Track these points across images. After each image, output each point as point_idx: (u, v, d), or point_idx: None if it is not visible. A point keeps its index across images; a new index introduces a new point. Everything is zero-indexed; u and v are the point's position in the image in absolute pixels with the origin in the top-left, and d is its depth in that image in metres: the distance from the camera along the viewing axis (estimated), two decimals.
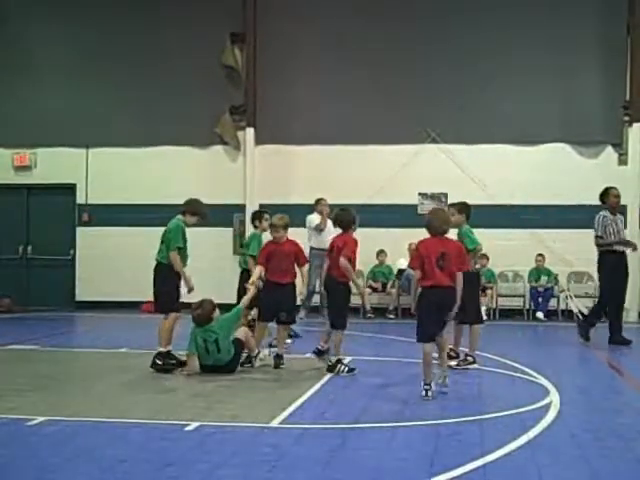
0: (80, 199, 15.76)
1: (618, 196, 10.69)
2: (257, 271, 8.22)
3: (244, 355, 8.18)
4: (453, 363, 8.27)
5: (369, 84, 14.79)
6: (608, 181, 11.93)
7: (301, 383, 7.43)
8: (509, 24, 14.60)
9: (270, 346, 8.65)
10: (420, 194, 14.80)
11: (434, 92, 14.76)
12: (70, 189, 15.73)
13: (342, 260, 7.79)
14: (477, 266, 9.64)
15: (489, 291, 14.26)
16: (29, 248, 16.01)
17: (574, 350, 10.60)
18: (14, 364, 8.74)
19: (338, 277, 7.93)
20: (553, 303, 14.42)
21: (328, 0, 15.13)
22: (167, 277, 8.12)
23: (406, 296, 13.46)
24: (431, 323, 6.76)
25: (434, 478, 4.45)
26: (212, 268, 13.92)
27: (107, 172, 15.55)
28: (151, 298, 8.43)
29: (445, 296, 6.74)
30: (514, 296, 14.58)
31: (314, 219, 12.91)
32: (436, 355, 6.94)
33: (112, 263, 15.30)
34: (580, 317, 13.77)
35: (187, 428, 5.54)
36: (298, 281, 8.50)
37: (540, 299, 14.32)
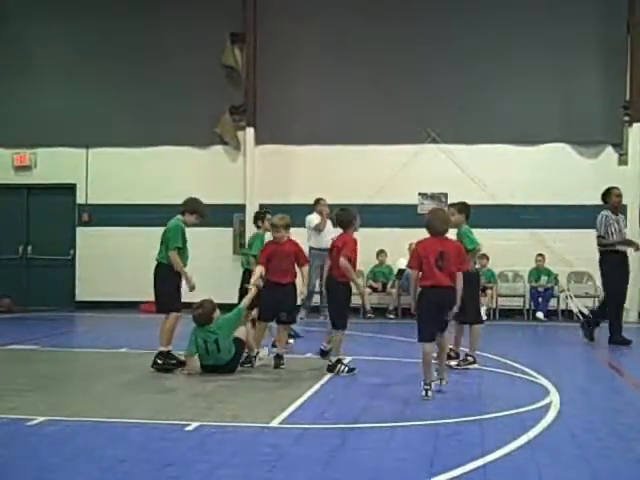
0: (80, 199, 15.77)
1: (620, 196, 10.70)
2: (258, 271, 8.22)
3: (244, 355, 8.18)
4: (453, 363, 8.28)
5: (369, 84, 14.79)
6: (608, 181, 11.92)
7: (301, 383, 7.43)
8: (509, 24, 14.60)
9: (273, 346, 8.64)
10: (420, 194, 14.80)
11: (434, 92, 14.76)
12: (70, 189, 15.73)
13: (342, 260, 7.79)
14: (477, 266, 9.66)
15: (489, 291, 14.26)
16: (29, 248, 16.01)
17: (574, 350, 10.60)
18: (14, 364, 8.74)
19: (338, 277, 7.93)
20: (553, 303, 14.42)
21: (328, 0, 15.13)
22: (167, 277, 8.13)
23: (406, 296, 13.45)
24: (431, 323, 6.76)
25: (434, 478, 4.45)
26: (212, 268, 13.92)
27: (107, 172, 15.56)
28: (150, 298, 8.44)
29: (445, 296, 6.74)
30: (514, 296, 14.58)
31: (313, 219, 12.92)
32: (435, 355, 6.93)
33: (112, 263, 15.30)
34: (581, 317, 13.81)
35: (187, 428, 5.54)
36: (298, 281, 8.50)
37: (540, 299, 14.32)
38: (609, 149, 14.53)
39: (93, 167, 15.68)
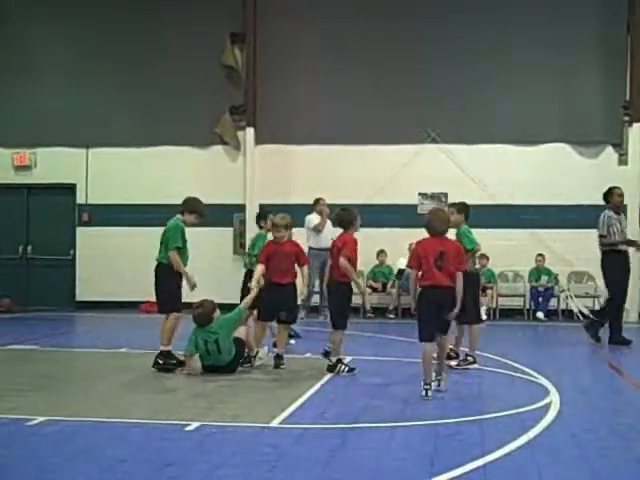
0: (80, 199, 15.76)
1: (622, 195, 10.71)
2: (259, 270, 8.21)
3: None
4: (453, 363, 8.28)
5: (369, 84, 14.79)
6: (608, 181, 11.93)
7: (301, 383, 7.42)
8: (509, 24, 14.60)
9: (274, 346, 8.63)
10: (420, 194, 14.80)
11: (434, 92, 14.75)
12: (70, 189, 15.73)
13: (341, 260, 7.80)
14: (477, 266, 9.65)
15: (489, 291, 14.27)
16: (29, 248, 16.01)
17: (574, 350, 10.60)
18: (14, 364, 8.74)
19: (338, 277, 7.94)
20: (553, 303, 14.42)
21: (328, 0, 15.13)
22: (167, 277, 8.13)
23: (406, 296, 13.45)
24: (431, 323, 6.76)
25: (434, 478, 4.45)
26: (212, 268, 13.91)
27: (107, 172, 15.55)
28: (150, 298, 8.45)
29: (444, 296, 6.74)
30: (514, 296, 14.58)
31: (312, 219, 12.91)
32: (435, 355, 6.93)
33: (112, 263, 15.30)
34: (581, 317, 13.82)
35: (187, 428, 5.54)
36: (298, 281, 8.50)
37: (540, 299, 14.32)
38: (609, 149, 14.53)
39: (93, 167, 15.68)
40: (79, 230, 15.79)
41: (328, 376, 7.76)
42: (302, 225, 12.53)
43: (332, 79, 14.87)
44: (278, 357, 8.28)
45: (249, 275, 9.26)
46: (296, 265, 8.40)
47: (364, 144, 14.82)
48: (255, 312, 8.65)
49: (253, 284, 8.13)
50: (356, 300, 9.22)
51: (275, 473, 4.55)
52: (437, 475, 4.49)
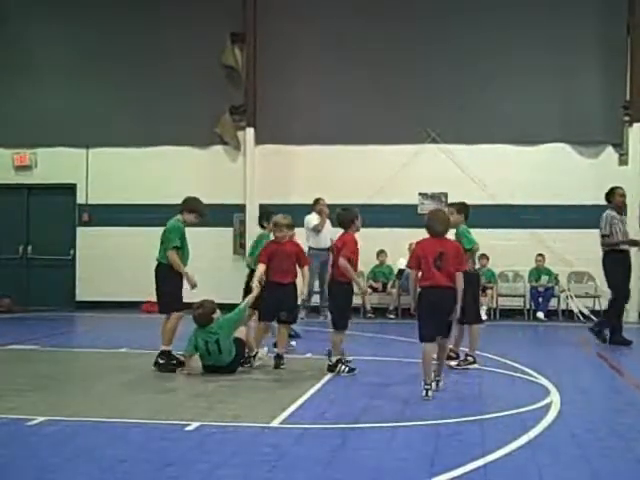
0: (80, 199, 15.77)
1: (624, 196, 10.72)
2: (260, 269, 8.20)
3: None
4: (453, 363, 8.28)
5: (369, 84, 14.79)
6: (608, 181, 11.94)
7: (301, 383, 7.42)
8: (509, 24, 14.60)
9: (275, 346, 8.63)
10: (420, 194, 14.80)
11: (434, 92, 14.76)
12: (70, 189, 15.73)
13: (341, 260, 7.81)
14: (477, 266, 9.65)
15: (489, 291, 14.27)
16: (29, 248, 16.01)
17: (574, 350, 10.60)
18: (14, 364, 8.74)
19: (338, 277, 7.94)
20: (553, 303, 14.41)
21: (328, 0, 15.13)
22: (167, 277, 8.14)
23: (406, 296, 13.45)
24: (430, 323, 6.76)
25: (434, 478, 4.45)
26: (212, 268, 13.90)
27: (107, 172, 15.55)
28: (151, 298, 8.46)
29: (443, 296, 6.74)
30: (514, 296, 14.58)
31: (312, 219, 12.91)
32: (434, 356, 6.93)
33: (112, 263, 15.30)
34: (581, 317, 13.83)
35: (187, 428, 5.54)
36: (299, 281, 8.50)
37: (540, 299, 14.32)
38: (609, 149, 14.53)
39: (93, 167, 15.68)
40: (79, 230, 15.80)
41: (328, 376, 7.76)
42: (302, 225, 12.53)
43: (332, 79, 14.87)
44: (278, 357, 8.28)
45: (251, 275, 9.24)
46: (297, 265, 8.40)
47: (364, 144, 14.82)
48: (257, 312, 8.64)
49: (254, 284, 8.13)
50: (356, 300, 9.22)
51: (275, 473, 4.55)
52: (437, 475, 4.49)
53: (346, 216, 8.11)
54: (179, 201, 8.53)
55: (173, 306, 8.15)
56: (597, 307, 13.97)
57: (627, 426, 5.86)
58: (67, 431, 5.51)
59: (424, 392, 6.62)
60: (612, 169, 14.30)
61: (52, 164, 15.69)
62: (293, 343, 9.57)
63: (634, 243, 10.82)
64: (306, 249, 11.35)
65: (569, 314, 14.14)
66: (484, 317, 12.97)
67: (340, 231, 8.22)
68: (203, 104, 15.10)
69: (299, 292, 8.49)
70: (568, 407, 6.37)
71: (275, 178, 15.04)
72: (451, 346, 8.16)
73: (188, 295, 8.25)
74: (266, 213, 9.81)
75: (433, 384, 6.76)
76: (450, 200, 13.63)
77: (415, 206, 14.63)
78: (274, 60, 15.07)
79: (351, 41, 14.84)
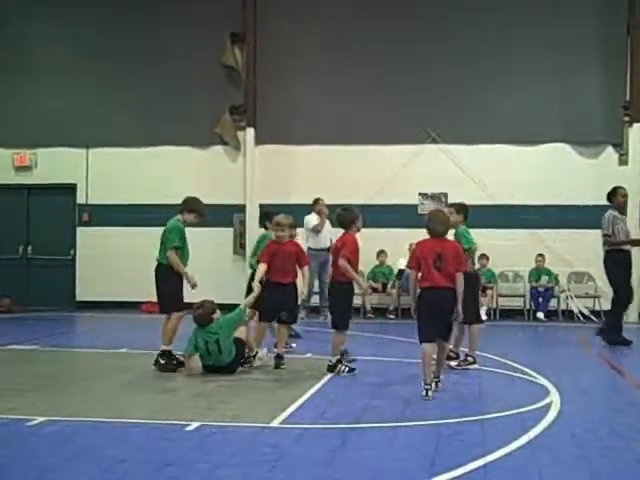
0: (80, 199, 15.77)
1: (626, 196, 10.73)
2: (261, 269, 8.19)
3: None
4: (453, 363, 8.28)
5: (369, 84, 14.79)
6: (608, 181, 11.96)
7: (301, 383, 7.42)
8: (509, 24, 14.60)
9: (275, 346, 8.62)
10: (420, 194, 14.80)
11: (434, 92, 14.76)
12: (70, 189, 15.74)
13: (340, 260, 7.82)
14: (477, 266, 9.65)
15: (489, 291, 14.27)
16: (29, 248, 16.01)
17: (574, 350, 10.61)
18: (14, 364, 8.74)
19: (339, 277, 7.95)
20: (553, 303, 14.41)
21: (328, 0, 15.13)
22: (168, 277, 8.14)
23: (406, 296, 13.45)
24: (430, 324, 6.76)
25: (435, 478, 4.45)
26: (212, 268, 13.92)
27: (107, 172, 15.56)
28: (151, 298, 8.47)
29: (443, 297, 6.74)
30: (514, 296, 14.58)
31: (311, 220, 12.90)
32: (434, 356, 6.92)
33: (112, 263, 15.30)
34: (581, 317, 13.83)
35: (187, 428, 5.53)
36: (299, 281, 8.50)
37: (540, 299, 14.31)
38: (609, 149, 14.53)
39: (93, 167, 15.68)
40: (79, 230, 15.80)
41: (328, 376, 7.76)
42: (302, 225, 12.52)
43: (332, 79, 14.87)
44: (278, 357, 8.28)
45: (254, 276, 9.24)
46: (297, 266, 8.40)
47: (364, 144, 14.82)
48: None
49: (255, 283, 8.12)
50: (356, 300, 9.23)
51: (275, 473, 4.55)
52: (438, 475, 4.49)
53: (346, 216, 8.10)
54: (179, 201, 8.53)
55: (173, 306, 8.16)
56: (597, 307, 13.98)
57: (627, 426, 5.86)
58: (67, 431, 5.51)
59: (424, 392, 6.62)
60: (612, 169, 14.30)
61: (52, 164, 15.70)
62: (293, 345, 9.57)
63: (636, 243, 10.82)
64: (305, 249, 11.36)
65: (569, 314, 14.14)
66: (484, 317, 12.98)
67: (341, 231, 8.22)
68: (203, 104, 15.10)
69: (299, 292, 8.49)
70: (568, 407, 6.36)
71: (275, 178, 15.04)
72: (451, 346, 8.16)
73: (188, 295, 8.25)
74: (268, 213, 9.82)
75: (433, 384, 6.76)
76: (450, 200, 13.65)
77: (415, 206, 14.63)
78: (274, 60, 15.07)
79: (351, 41, 14.84)
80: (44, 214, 15.86)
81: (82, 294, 15.66)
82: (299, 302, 8.88)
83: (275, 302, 8.18)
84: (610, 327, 10.66)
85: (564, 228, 14.27)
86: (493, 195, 14.47)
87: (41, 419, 5.74)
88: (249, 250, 14.27)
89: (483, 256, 14.00)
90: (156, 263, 8.30)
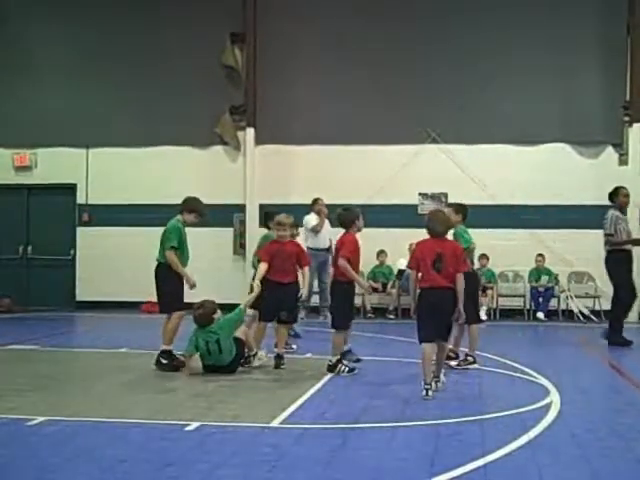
0: (80, 199, 15.77)
1: (628, 196, 10.72)
2: (262, 268, 8.19)
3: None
4: (453, 363, 8.28)
5: (369, 84, 14.79)
6: (608, 181, 11.97)
7: (301, 383, 7.42)
8: (509, 24, 14.60)
9: (275, 346, 8.61)
10: (420, 194, 14.79)
11: (434, 92, 14.75)
12: (70, 189, 15.74)
13: (340, 260, 7.83)
14: (476, 266, 9.64)
15: (489, 291, 14.27)
16: (29, 248, 16.01)
17: (574, 350, 10.61)
18: (14, 364, 8.74)
19: (338, 277, 7.96)
20: (553, 303, 14.41)
21: (328, 0, 15.13)
22: (167, 277, 8.14)
23: (406, 296, 13.46)
24: (430, 324, 6.76)
25: (435, 478, 4.45)
26: (212, 268, 13.93)
27: (107, 172, 15.56)
28: (151, 298, 8.46)
29: (443, 297, 6.75)
30: (514, 296, 14.58)
31: (311, 220, 12.88)
32: (434, 358, 6.92)
33: (112, 263, 15.30)
34: (581, 317, 13.83)
35: (187, 428, 5.54)
36: (300, 281, 8.50)
37: (540, 299, 14.31)
38: (609, 149, 14.53)
39: (93, 167, 15.68)
40: (79, 230, 15.80)
41: (328, 376, 7.76)
42: (301, 225, 12.52)
43: (332, 79, 14.87)
44: (278, 357, 8.28)
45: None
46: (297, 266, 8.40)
47: (364, 144, 14.82)
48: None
49: (255, 283, 8.12)
50: (356, 300, 9.22)
51: (275, 473, 4.55)
52: (437, 475, 4.49)
53: (347, 216, 8.11)
54: (179, 201, 8.53)
55: (174, 306, 8.16)
56: (597, 307, 13.98)
57: (627, 426, 5.86)
58: (67, 431, 5.51)
59: (424, 392, 6.62)
60: (612, 169, 14.30)
61: (52, 164, 15.69)
62: (294, 346, 9.56)
63: (637, 242, 10.82)
64: (305, 249, 11.36)
65: (569, 314, 14.14)
66: (484, 317, 12.99)
67: (340, 231, 8.23)
68: (203, 104, 15.10)
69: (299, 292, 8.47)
70: (568, 407, 6.36)
71: (275, 178, 15.04)
72: (451, 346, 8.16)
73: (189, 295, 8.25)
74: (270, 213, 9.83)
75: (433, 384, 6.76)
76: (450, 200, 13.66)
77: (415, 206, 14.63)
78: (274, 60, 15.07)
79: (351, 41, 14.84)
80: (44, 214, 15.86)
81: (82, 294, 15.66)
82: (299, 302, 8.87)
83: (275, 302, 8.17)
84: (611, 327, 10.66)
85: (564, 228, 14.27)
86: (493, 195, 14.47)
87: (41, 419, 5.75)
88: (249, 250, 14.34)
89: (483, 256, 14.00)
90: (156, 263, 8.31)
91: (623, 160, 14.42)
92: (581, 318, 13.87)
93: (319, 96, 14.94)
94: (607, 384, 8.14)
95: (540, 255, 14.41)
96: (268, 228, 9.63)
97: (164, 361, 8.08)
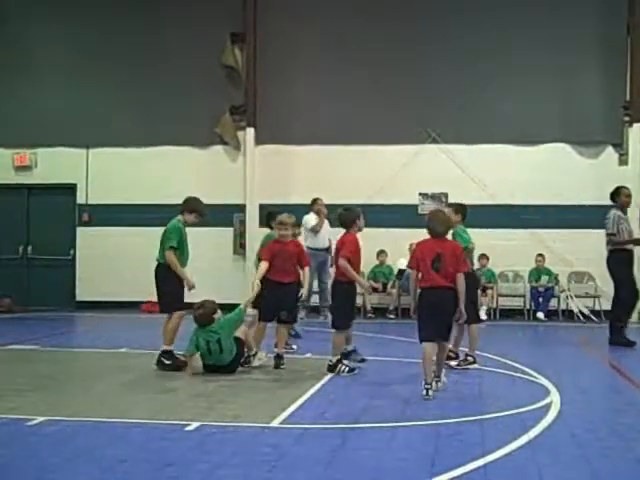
0: (80, 199, 15.77)
1: (629, 196, 10.71)
2: (263, 267, 8.19)
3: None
4: (453, 363, 8.28)
5: (369, 84, 14.78)
6: (608, 181, 11.98)
7: (301, 383, 7.42)
8: (509, 24, 14.60)
9: (275, 346, 8.61)
10: (420, 194, 14.79)
11: (434, 92, 14.75)
12: (70, 189, 15.74)
13: (340, 261, 7.84)
14: (476, 266, 9.64)
15: (489, 291, 14.27)
16: (29, 248, 16.01)
17: (574, 350, 10.61)
18: (14, 364, 8.74)
19: (339, 277, 7.96)
20: (553, 303, 14.41)
21: (328, 0, 15.13)
22: (167, 277, 8.14)
23: (406, 296, 13.46)
24: (431, 324, 6.76)
25: (435, 478, 4.45)
26: (212, 268, 13.94)
27: (107, 172, 15.55)
28: (151, 298, 8.46)
29: (443, 296, 6.75)
30: (514, 296, 14.58)
31: (310, 220, 12.87)
32: (434, 358, 6.92)
33: (112, 263, 15.30)
34: (581, 317, 13.83)
35: (187, 428, 5.53)
36: (301, 281, 8.50)
37: (540, 299, 14.31)
38: (609, 149, 14.53)
39: (93, 167, 15.68)
40: (79, 230, 15.80)
41: (328, 376, 7.76)
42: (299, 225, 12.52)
43: (332, 79, 14.87)
44: (278, 357, 8.28)
45: None
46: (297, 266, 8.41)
47: (364, 144, 14.82)
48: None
49: (256, 282, 8.12)
50: (357, 300, 9.21)
51: (275, 473, 4.55)
52: (438, 475, 4.49)
53: (348, 216, 8.11)
54: (179, 201, 8.53)
55: (174, 305, 8.16)
56: (597, 307, 13.98)
57: (627, 426, 5.86)
58: (67, 431, 5.51)
59: (424, 391, 6.62)
60: (612, 169, 14.30)
61: (52, 164, 15.69)
62: (294, 347, 9.56)
63: (639, 242, 10.83)
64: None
65: (569, 314, 14.13)
66: (484, 317, 12.99)
67: (340, 231, 8.23)
68: (203, 104, 15.10)
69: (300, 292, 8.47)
70: (568, 407, 6.36)
71: (275, 178, 15.04)
72: (451, 346, 8.16)
73: (189, 295, 8.24)
74: (272, 213, 9.83)
75: (433, 384, 6.76)
76: (450, 200, 13.66)
77: (415, 206, 14.63)
78: (274, 60, 15.07)
79: (351, 41, 14.84)
80: (44, 214, 15.86)
81: (82, 294, 15.66)
82: (299, 302, 8.87)
83: (275, 301, 8.17)
84: (611, 328, 10.66)
85: (564, 228, 14.27)
86: (493, 195, 14.47)
87: (41, 419, 5.75)
88: (249, 250, 14.34)
89: (483, 256, 14.00)
90: (156, 263, 8.31)
91: (623, 160, 14.42)
92: (581, 318, 13.87)
93: (319, 96, 14.94)
94: (607, 384, 8.14)
95: (540, 255, 14.41)
96: (271, 228, 9.62)
97: (167, 362, 8.07)
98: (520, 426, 5.66)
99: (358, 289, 8.29)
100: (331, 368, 7.92)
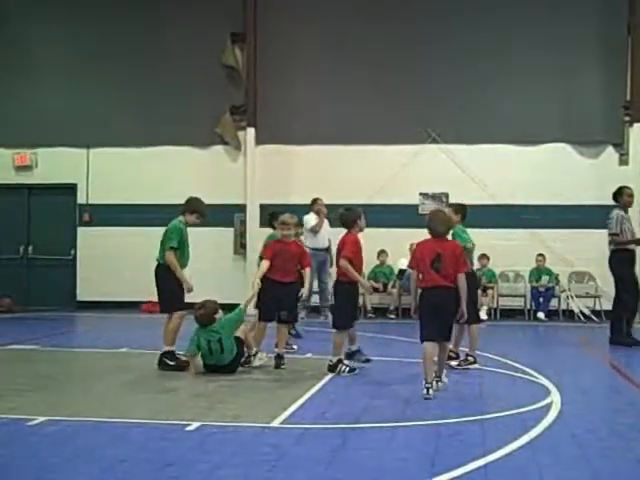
0: (81, 199, 15.77)
1: (632, 196, 10.71)
2: (264, 266, 8.19)
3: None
4: (454, 363, 8.28)
5: (369, 84, 14.78)
6: (608, 181, 11.98)
7: (302, 383, 7.42)
8: (509, 24, 14.60)
9: (276, 346, 8.61)
10: (421, 194, 14.79)
11: (434, 92, 14.75)
12: (71, 189, 15.74)
13: (341, 261, 7.85)
14: (476, 266, 9.64)
15: (490, 291, 14.27)
16: (30, 248, 16.01)
17: (575, 350, 10.61)
18: (14, 364, 8.74)
19: (340, 277, 7.96)
20: (554, 303, 14.40)
21: (328, 0, 15.13)
22: (167, 277, 8.14)
23: (407, 296, 13.46)
24: (432, 323, 6.76)
25: (435, 478, 4.44)
26: (213, 268, 13.94)
27: (107, 172, 15.55)
28: (151, 298, 8.46)
29: (443, 296, 6.75)
30: (515, 296, 14.58)
31: (310, 220, 12.87)
32: (436, 359, 6.92)
33: (112, 263, 15.30)
34: (582, 317, 13.83)
35: (188, 428, 5.53)
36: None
37: (541, 299, 14.31)
38: (609, 149, 14.52)
39: (94, 167, 15.68)
40: (80, 230, 15.80)
41: (329, 376, 7.76)
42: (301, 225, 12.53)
43: (332, 79, 14.87)
44: (279, 357, 8.28)
45: None
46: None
47: (364, 144, 14.82)
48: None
49: (256, 281, 8.11)
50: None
51: (275, 473, 4.55)
52: (438, 475, 4.49)
53: (349, 216, 8.11)
54: (179, 201, 8.54)
55: (175, 305, 8.15)
56: (598, 307, 13.97)
57: (627, 426, 5.86)
58: (67, 431, 5.51)
59: (425, 391, 6.62)
60: (612, 169, 14.29)
61: (52, 164, 15.69)
62: (295, 346, 9.56)
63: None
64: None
65: (570, 314, 14.13)
66: (484, 317, 12.99)
67: (341, 231, 8.23)
68: (203, 104, 15.10)
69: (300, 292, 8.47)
70: (568, 407, 6.36)
71: (275, 178, 15.04)
72: (451, 346, 8.16)
73: (190, 295, 8.23)
74: (275, 213, 9.83)
75: (434, 383, 6.76)
76: (451, 200, 13.66)
77: (416, 206, 14.63)
78: (274, 60, 15.07)
79: (351, 41, 14.84)
80: (45, 214, 15.86)
81: (82, 294, 15.66)
82: (299, 302, 8.87)
83: (275, 301, 8.18)
84: (612, 327, 10.66)
85: (564, 228, 14.26)
86: (493, 195, 14.47)
87: (41, 419, 5.74)
88: (250, 250, 14.34)
89: (483, 256, 14.00)
90: (156, 263, 8.30)
91: (623, 160, 14.41)
92: (582, 318, 13.87)
93: (319, 96, 14.94)
94: (607, 384, 8.14)
95: (540, 255, 14.41)
96: (273, 228, 9.63)
97: (170, 362, 8.07)
98: (520, 426, 5.66)
99: (360, 289, 8.28)
100: (331, 368, 7.92)
